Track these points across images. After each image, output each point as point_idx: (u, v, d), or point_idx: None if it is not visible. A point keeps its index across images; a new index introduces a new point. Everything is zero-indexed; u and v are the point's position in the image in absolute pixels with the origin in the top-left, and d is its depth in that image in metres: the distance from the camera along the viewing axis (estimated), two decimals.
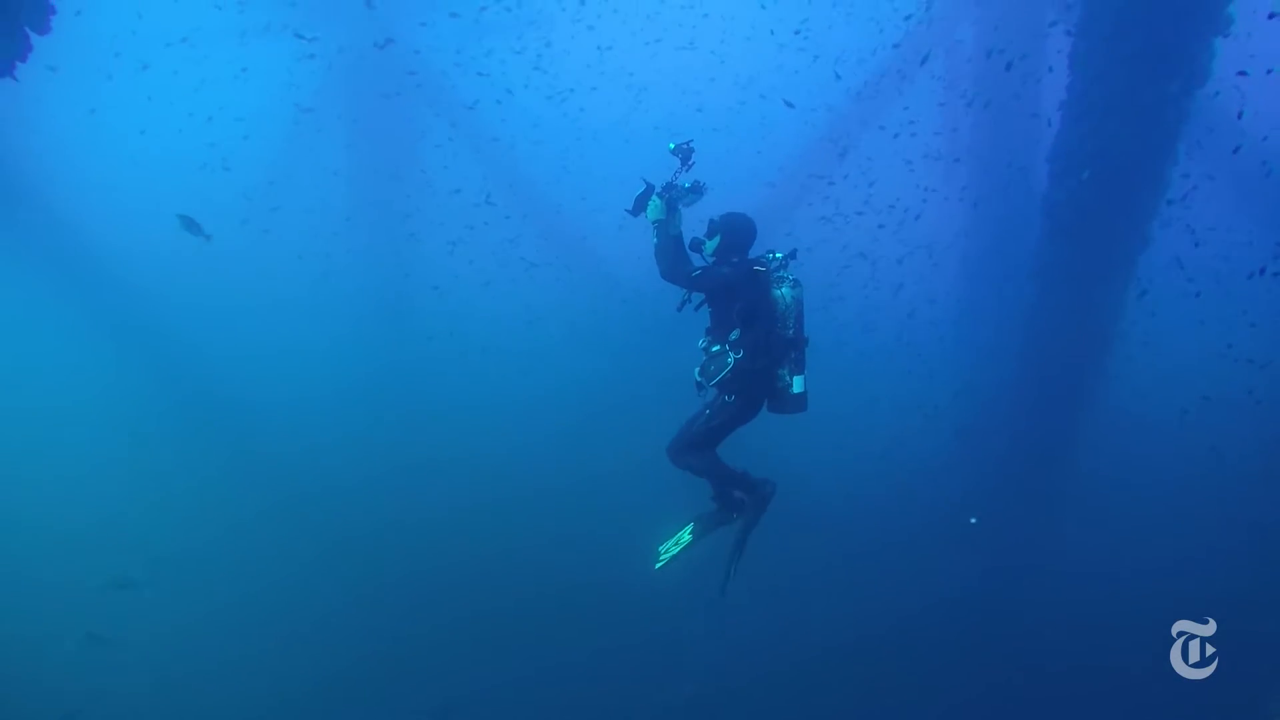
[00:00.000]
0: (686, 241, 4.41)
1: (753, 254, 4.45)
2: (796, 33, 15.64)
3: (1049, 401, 10.23)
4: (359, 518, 11.60)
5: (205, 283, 15.82)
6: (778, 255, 4.42)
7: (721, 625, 9.14)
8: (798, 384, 4.38)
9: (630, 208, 4.38)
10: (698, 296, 4.45)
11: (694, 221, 4.54)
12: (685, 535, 4.82)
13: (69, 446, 13.11)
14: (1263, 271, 9.42)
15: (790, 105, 13.21)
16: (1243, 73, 8.68)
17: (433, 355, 15.91)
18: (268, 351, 15.56)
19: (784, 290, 4.33)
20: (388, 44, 14.23)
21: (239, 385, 14.73)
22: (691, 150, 4.28)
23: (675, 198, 4.33)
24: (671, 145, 4.28)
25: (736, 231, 4.41)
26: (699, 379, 4.39)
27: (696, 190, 4.35)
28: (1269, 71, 8.98)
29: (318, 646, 9.20)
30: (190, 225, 8.05)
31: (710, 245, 4.44)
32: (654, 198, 4.31)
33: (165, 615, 9.33)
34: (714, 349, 4.36)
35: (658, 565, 4.75)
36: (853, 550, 10.86)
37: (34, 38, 6.76)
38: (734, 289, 4.28)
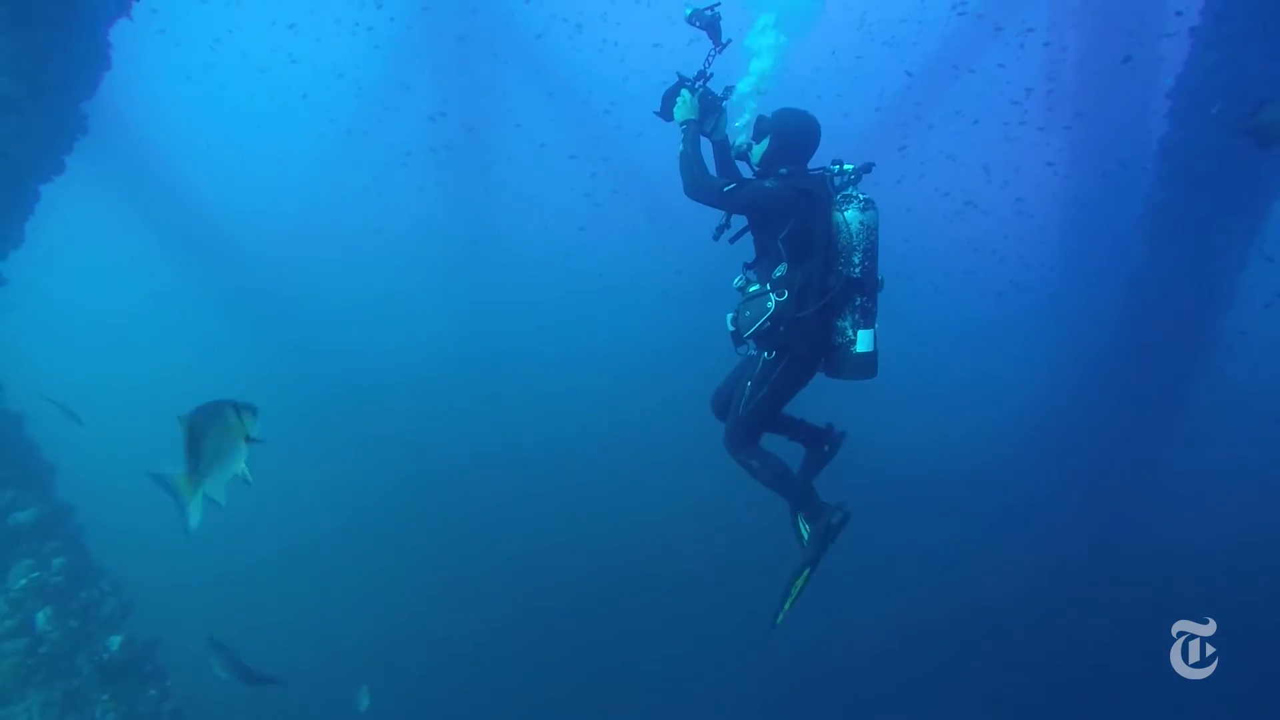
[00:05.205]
0: (733, 150, 3.53)
1: (813, 166, 3.38)
2: None
3: (1155, 370, 9.30)
4: (477, 494, 11.26)
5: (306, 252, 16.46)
6: (847, 167, 3.28)
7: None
8: (864, 340, 3.24)
9: (658, 108, 3.44)
10: (739, 221, 3.42)
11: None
12: (800, 584, 3.50)
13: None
14: None
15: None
16: None
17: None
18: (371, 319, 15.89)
19: (849, 213, 3.20)
20: None
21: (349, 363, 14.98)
22: (718, 18, 3.29)
23: (713, 93, 3.41)
24: (688, 11, 3.28)
25: (792, 132, 3.34)
26: (731, 328, 3.40)
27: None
28: None
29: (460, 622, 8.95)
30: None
31: (758, 150, 3.41)
32: (683, 92, 3.38)
33: (293, 602, 9.06)
34: (752, 289, 3.35)
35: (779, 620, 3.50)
36: (950, 531, 10.13)
37: None
38: (782, 209, 3.21)
